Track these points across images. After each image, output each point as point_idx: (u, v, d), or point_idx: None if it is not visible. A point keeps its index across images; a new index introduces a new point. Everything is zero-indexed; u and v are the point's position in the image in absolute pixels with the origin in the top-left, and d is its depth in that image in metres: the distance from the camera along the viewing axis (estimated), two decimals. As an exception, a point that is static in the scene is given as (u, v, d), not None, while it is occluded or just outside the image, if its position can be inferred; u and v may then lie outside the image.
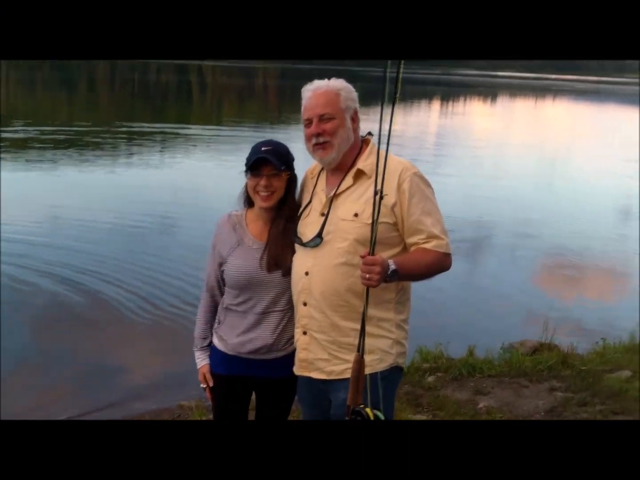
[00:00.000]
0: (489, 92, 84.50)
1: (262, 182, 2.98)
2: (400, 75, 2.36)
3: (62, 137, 21.47)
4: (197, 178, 16.26)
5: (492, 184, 17.46)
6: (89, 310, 7.68)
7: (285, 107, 44.95)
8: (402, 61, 2.31)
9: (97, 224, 11.10)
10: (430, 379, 5.96)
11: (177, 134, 24.54)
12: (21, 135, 20.70)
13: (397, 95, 2.41)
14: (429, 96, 60.62)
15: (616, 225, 13.94)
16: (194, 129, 26.58)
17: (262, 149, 3.01)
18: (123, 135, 22.76)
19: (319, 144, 2.89)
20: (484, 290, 9.32)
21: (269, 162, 2.97)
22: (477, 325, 7.96)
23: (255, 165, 2.98)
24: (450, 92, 72.85)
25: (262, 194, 3.00)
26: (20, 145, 18.88)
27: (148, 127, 25.96)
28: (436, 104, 54.28)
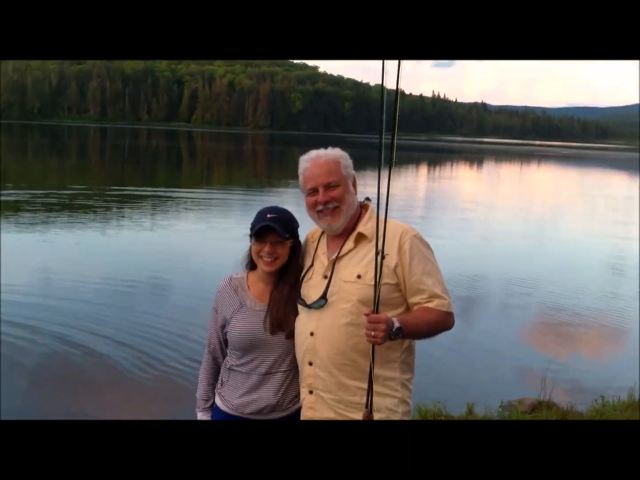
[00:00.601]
0: (475, 157, 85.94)
1: (266, 248, 3.03)
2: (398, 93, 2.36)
3: (53, 200, 21.54)
4: (188, 240, 16.33)
5: (482, 244, 17.60)
6: (81, 370, 7.58)
7: (274, 172, 45.49)
8: (400, 64, 2.30)
9: (88, 285, 11.08)
10: (430, 436, 5.86)
11: (168, 197, 24.70)
12: (12, 198, 20.74)
13: (394, 160, 2.44)
14: (415, 161, 61.46)
15: (607, 283, 14.00)
16: (184, 193, 26.75)
17: (268, 216, 3.05)
18: (114, 199, 22.86)
19: (327, 210, 2.96)
20: (479, 349, 9.26)
21: (273, 230, 3.01)
22: (474, 383, 7.90)
23: (260, 232, 3.03)
24: (436, 158, 73.91)
25: (266, 259, 3.05)
26: (12, 208, 18.88)
27: (139, 190, 26.14)
28: (423, 169, 55.06)
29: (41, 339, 8.30)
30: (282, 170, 46.29)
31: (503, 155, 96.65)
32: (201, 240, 16.26)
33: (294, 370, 3.08)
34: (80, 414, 6.56)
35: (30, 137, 71.73)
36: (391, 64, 2.26)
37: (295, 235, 3.13)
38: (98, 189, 25.58)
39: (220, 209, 22.47)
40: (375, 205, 2.57)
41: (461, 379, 8.02)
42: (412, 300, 2.87)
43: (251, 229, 3.07)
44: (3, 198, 20.43)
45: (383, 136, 2.50)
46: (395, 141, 2.43)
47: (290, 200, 23.40)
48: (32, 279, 11.22)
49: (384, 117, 2.36)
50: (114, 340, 8.51)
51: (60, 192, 23.81)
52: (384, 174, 2.46)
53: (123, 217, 19.26)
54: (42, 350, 7.99)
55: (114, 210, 20.57)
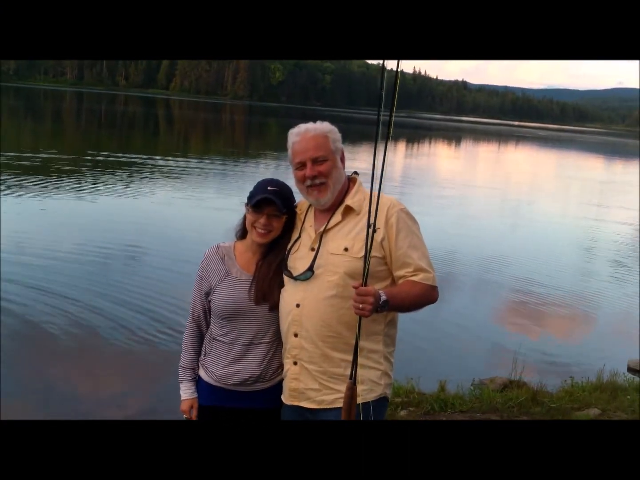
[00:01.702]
0: (453, 135, 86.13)
1: (262, 220, 3.04)
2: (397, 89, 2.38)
3: (28, 163, 21.23)
4: (164, 208, 16.24)
5: (458, 222, 17.69)
6: (52, 340, 7.51)
7: (252, 142, 45.25)
8: (400, 64, 2.31)
9: (61, 251, 10.99)
10: (403, 413, 5.92)
11: (144, 164, 24.47)
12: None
13: (391, 134, 2.45)
14: (394, 137, 61.24)
15: (580, 265, 14.16)
16: (161, 160, 26.51)
17: (269, 188, 3.06)
18: (89, 164, 22.59)
19: (314, 185, 2.98)
20: (452, 326, 9.32)
21: (272, 203, 3.02)
22: (446, 361, 7.98)
23: (258, 203, 3.03)
24: (415, 135, 73.86)
25: (260, 230, 3.06)
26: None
27: (114, 156, 25.88)
28: (402, 146, 55.02)
29: (10, 304, 8.20)
30: (260, 141, 46.11)
31: (481, 135, 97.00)
32: (177, 209, 16.17)
33: (277, 342, 3.11)
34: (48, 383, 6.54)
35: (5, 99, 70.44)
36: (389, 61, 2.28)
37: (291, 211, 3.14)
38: (73, 154, 25.25)
39: (196, 177, 22.30)
40: (364, 179, 2.59)
41: (433, 357, 8.09)
42: (398, 273, 2.91)
43: (249, 199, 3.08)
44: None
45: (382, 112, 2.48)
46: (390, 133, 2.44)
47: (268, 171, 23.33)
48: (4, 244, 11.05)
49: (382, 101, 2.38)
50: (85, 306, 8.45)
51: (34, 155, 23.48)
52: (378, 150, 2.47)
53: (98, 183, 19.04)
54: (8, 320, 7.85)
55: (89, 176, 20.33)
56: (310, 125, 3.05)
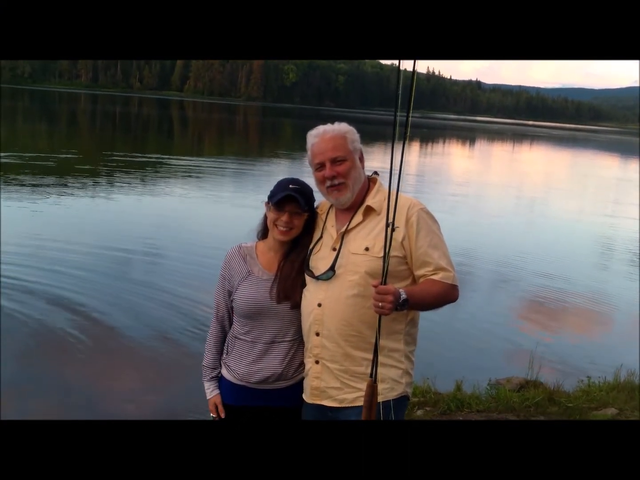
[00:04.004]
0: (468, 135, 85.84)
1: (284, 218, 3.07)
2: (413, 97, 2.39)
3: (42, 163, 21.37)
4: (180, 207, 16.40)
5: (473, 222, 17.63)
6: (72, 338, 7.56)
7: (266, 143, 45.35)
8: (416, 64, 2.31)
9: (79, 251, 11.07)
10: (419, 412, 5.91)
11: (161, 163, 24.58)
12: (3, 161, 20.55)
13: (408, 133, 2.51)
14: (408, 138, 60.92)
15: (596, 263, 14.10)
16: (176, 160, 26.62)
17: (290, 186, 3.09)
18: (106, 165, 22.72)
19: (334, 185, 3.01)
20: (468, 326, 9.29)
21: (294, 201, 3.05)
22: (462, 361, 7.94)
23: (280, 201, 3.05)
24: (429, 135, 73.66)
25: (281, 228, 3.09)
26: (2, 172, 18.70)
27: (131, 156, 26.02)
28: (416, 146, 54.93)
29: (29, 308, 8.25)
30: (275, 142, 46.17)
31: (496, 135, 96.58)
32: (193, 208, 16.32)
33: (298, 340, 3.14)
34: (67, 384, 6.58)
35: (21, 101, 71.01)
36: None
37: (312, 209, 3.17)
38: (90, 155, 25.41)
39: (212, 177, 22.38)
40: (383, 179, 2.59)
41: (450, 356, 8.05)
42: (418, 272, 2.94)
43: (270, 197, 3.11)
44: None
45: (398, 113, 2.54)
46: (408, 133, 2.49)
47: (283, 170, 23.37)
48: (21, 245, 11.14)
49: (399, 100, 2.39)
50: (104, 307, 8.51)
51: (52, 155, 23.63)
52: (396, 150, 2.52)
53: (115, 183, 19.13)
54: (28, 321, 7.90)
55: (106, 176, 20.45)
56: (328, 127, 3.08)
